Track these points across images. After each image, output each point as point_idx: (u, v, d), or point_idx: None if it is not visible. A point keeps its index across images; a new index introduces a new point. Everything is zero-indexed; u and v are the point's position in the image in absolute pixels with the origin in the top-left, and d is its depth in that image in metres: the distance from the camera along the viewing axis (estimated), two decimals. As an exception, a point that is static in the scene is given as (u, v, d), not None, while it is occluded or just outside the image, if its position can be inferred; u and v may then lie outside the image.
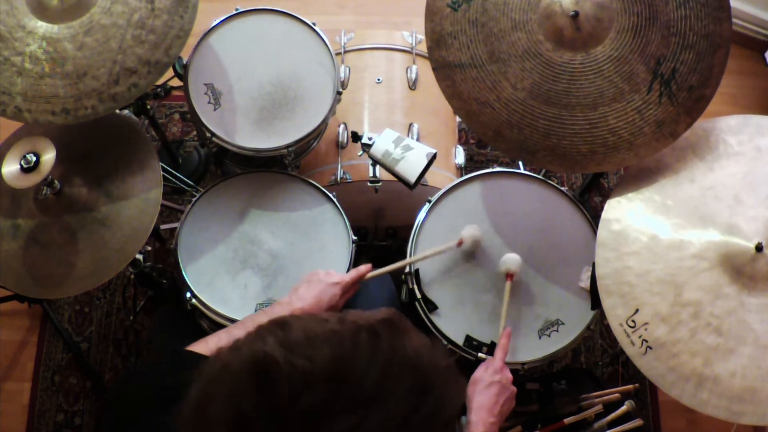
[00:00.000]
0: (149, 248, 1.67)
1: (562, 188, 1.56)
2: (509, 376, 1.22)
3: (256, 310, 1.47)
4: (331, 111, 1.61)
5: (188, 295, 1.47)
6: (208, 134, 1.57)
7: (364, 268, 1.30)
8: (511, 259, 1.42)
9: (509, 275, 1.41)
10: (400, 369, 0.59)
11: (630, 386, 1.52)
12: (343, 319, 0.63)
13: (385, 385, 0.58)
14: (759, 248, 1.27)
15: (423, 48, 1.70)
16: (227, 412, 0.57)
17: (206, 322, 1.52)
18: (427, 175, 1.45)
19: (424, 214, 1.52)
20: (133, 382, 0.90)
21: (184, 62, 1.62)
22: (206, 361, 0.63)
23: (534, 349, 1.43)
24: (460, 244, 1.44)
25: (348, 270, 1.50)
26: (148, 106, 1.82)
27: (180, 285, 1.51)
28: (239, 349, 0.60)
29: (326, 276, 1.23)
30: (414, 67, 1.84)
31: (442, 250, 1.44)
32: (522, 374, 1.42)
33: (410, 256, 1.48)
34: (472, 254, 1.47)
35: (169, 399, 0.78)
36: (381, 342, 0.60)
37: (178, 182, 1.93)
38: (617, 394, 1.50)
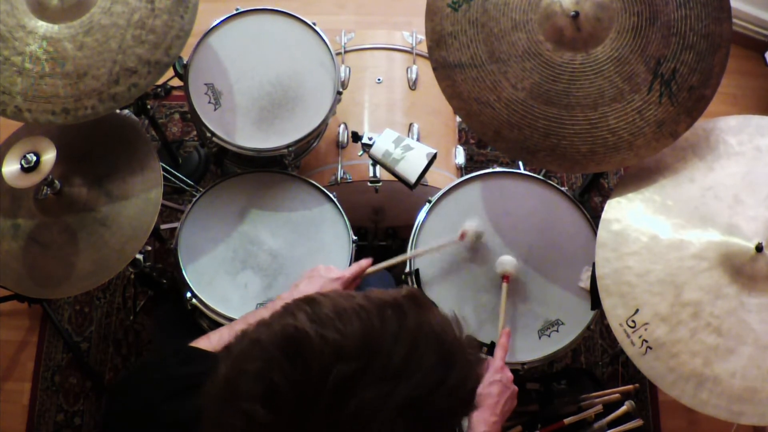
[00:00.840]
0: (149, 248, 1.67)
1: (562, 188, 1.56)
2: (510, 375, 1.22)
3: (256, 310, 1.48)
4: (331, 111, 1.61)
5: (188, 294, 1.47)
6: (209, 134, 1.57)
7: (364, 262, 1.30)
8: (506, 261, 1.42)
9: (505, 277, 1.41)
10: (426, 343, 0.61)
11: (630, 386, 1.52)
12: (368, 296, 0.64)
13: (412, 358, 0.59)
14: (759, 248, 1.27)
15: (423, 48, 1.70)
16: (258, 386, 0.57)
17: (206, 322, 1.52)
18: (427, 175, 1.45)
19: (424, 214, 1.52)
20: (140, 375, 0.91)
21: (185, 62, 1.62)
22: (233, 339, 0.63)
23: (534, 349, 1.43)
24: (462, 237, 1.43)
25: (348, 270, 1.51)
26: (148, 106, 1.82)
27: (180, 285, 1.51)
28: (269, 325, 0.61)
29: (327, 271, 1.24)
30: (414, 67, 1.84)
31: (444, 244, 1.43)
32: (522, 374, 1.42)
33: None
34: (472, 253, 1.47)
35: (176, 390, 0.79)
36: (407, 317, 0.62)
37: (178, 182, 1.93)
38: (617, 394, 1.50)
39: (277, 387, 0.57)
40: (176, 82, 1.71)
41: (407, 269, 1.46)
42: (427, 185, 1.66)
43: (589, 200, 2.25)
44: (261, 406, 0.56)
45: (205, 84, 1.60)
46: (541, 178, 1.57)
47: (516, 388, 1.22)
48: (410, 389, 0.58)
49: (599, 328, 2.06)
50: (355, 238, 1.55)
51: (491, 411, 1.13)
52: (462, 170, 1.88)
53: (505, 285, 1.41)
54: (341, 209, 1.58)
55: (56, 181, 1.40)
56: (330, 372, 0.56)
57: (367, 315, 0.61)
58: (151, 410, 0.81)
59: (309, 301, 0.63)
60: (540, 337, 1.44)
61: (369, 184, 1.68)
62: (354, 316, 0.60)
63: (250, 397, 0.57)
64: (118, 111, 1.53)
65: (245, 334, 0.62)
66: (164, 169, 1.54)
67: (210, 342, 1.02)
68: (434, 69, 1.42)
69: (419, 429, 0.59)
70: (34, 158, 1.30)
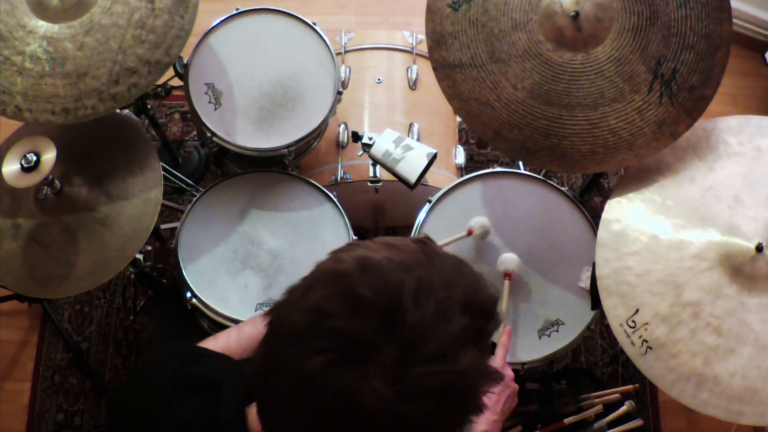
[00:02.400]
0: (149, 248, 1.67)
1: (562, 188, 1.56)
2: (510, 374, 1.22)
3: (256, 310, 1.47)
4: (332, 111, 1.61)
5: (188, 294, 1.47)
6: (209, 134, 1.57)
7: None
8: (509, 259, 1.43)
9: (507, 275, 1.42)
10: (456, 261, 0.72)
11: (630, 386, 1.53)
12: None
13: (457, 267, 0.71)
14: (759, 248, 1.27)
15: (423, 48, 1.70)
16: (345, 303, 0.62)
17: (206, 322, 1.52)
18: (427, 175, 1.45)
19: (424, 214, 1.52)
20: (143, 375, 0.91)
21: (185, 62, 1.62)
22: (298, 282, 0.68)
23: (534, 349, 1.43)
24: (469, 233, 1.45)
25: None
26: (148, 106, 1.82)
27: (180, 285, 1.51)
28: (341, 259, 0.67)
29: None
30: (414, 67, 1.84)
31: (451, 240, 1.45)
32: (522, 374, 1.42)
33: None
34: (473, 252, 1.48)
35: (179, 390, 0.81)
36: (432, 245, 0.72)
37: (178, 182, 1.93)
38: (617, 395, 1.50)
39: (363, 298, 0.62)
40: (176, 82, 1.71)
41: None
42: (427, 185, 1.66)
43: (589, 200, 2.25)
44: (351, 319, 0.61)
45: (206, 84, 1.60)
46: (541, 178, 1.57)
47: (517, 386, 1.22)
48: (463, 289, 0.67)
49: (599, 328, 2.06)
50: (355, 238, 1.56)
51: (491, 410, 1.13)
52: (462, 170, 1.88)
53: (507, 282, 1.41)
54: (341, 209, 1.58)
55: (56, 181, 1.40)
56: (403, 281, 0.63)
57: (410, 245, 0.70)
58: (154, 410, 0.81)
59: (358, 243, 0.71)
60: (540, 337, 1.44)
61: (369, 184, 1.68)
62: (403, 245, 0.69)
63: (340, 314, 0.61)
64: (118, 111, 1.53)
65: (315, 271, 0.68)
66: (164, 169, 1.54)
67: (217, 343, 1.02)
68: (434, 69, 1.42)
69: (476, 321, 0.66)
70: (34, 158, 1.30)
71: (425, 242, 0.71)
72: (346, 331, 0.61)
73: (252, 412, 0.77)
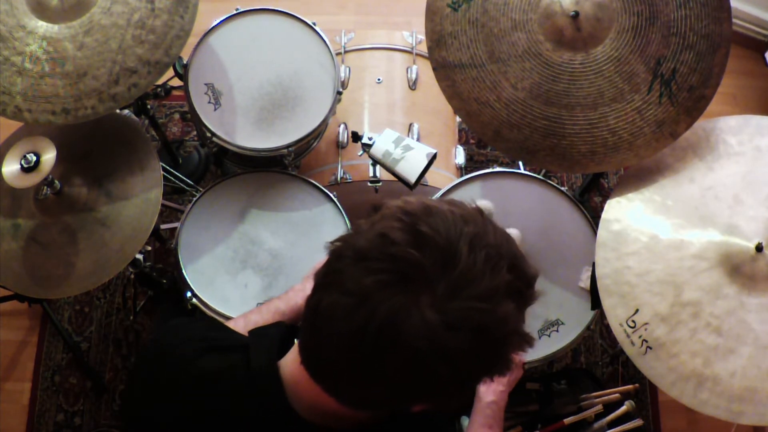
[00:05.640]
0: (149, 248, 1.67)
1: (562, 188, 1.56)
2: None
3: (256, 310, 1.48)
4: (331, 111, 1.61)
5: (188, 294, 1.47)
6: (209, 134, 1.57)
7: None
8: (511, 234, 1.43)
9: None
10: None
11: (630, 386, 1.53)
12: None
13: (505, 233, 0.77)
14: (759, 248, 1.27)
15: (423, 48, 1.70)
16: (409, 235, 0.68)
17: (206, 322, 1.52)
18: (427, 175, 1.45)
19: (424, 214, 1.52)
20: (171, 332, 0.93)
21: (185, 62, 1.62)
22: (371, 214, 0.74)
23: (534, 349, 1.42)
24: None
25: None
26: (148, 106, 1.82)
27: (180, 284, 1.51)
28: (409, 201, 0.74)
29: None
30: (414, 67, 1.84)
31: None
32: (522, 374, 1.41)
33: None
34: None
35: (205, 348, 0.84)
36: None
37: (178, 182, 1.93)
38: (617, 395, 1.50)
39: (426, 235, 0.68)
40: (176, 82, 1.71)
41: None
42: (427, 185, 1.66)
43: (589, 200, 2.25)
44: (412, 249, 0.67)
45: (205, 84, 1.60)
46: (541, 178, 1.57)
47: (522, 358, 1.22)
48: (511, 255, 0.72)
49: (599, 328, 2.06)
50: (355, 238, 1.55)
51: (498, 379, 1.14)
52: (462, 170, 1.88)
53: None
54: (341, 209, 1.58)
55: (56, 181, 1.40)
56: (462, 230, 0.69)
57: (470, 208, 0.76)
58: (183, 366, 0.83)
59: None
60: (540, 337, 1.44)
61: (369, 184, 1.67)
62: (463, 206, 0.75)
63: (403, 243, 0.67)
64: (118, 111, 1.53)
65: (383, 209, 0.73)
66: (164, 169, 1.54)
67: None
68: (434, 69, 1.42)
69: (519, 282, 0.72)
70: (34, 158, 1.31)
71: (482, 211, 0.77)
72: (407, 258, 0.66)
73: (284, 363, 0.80)
